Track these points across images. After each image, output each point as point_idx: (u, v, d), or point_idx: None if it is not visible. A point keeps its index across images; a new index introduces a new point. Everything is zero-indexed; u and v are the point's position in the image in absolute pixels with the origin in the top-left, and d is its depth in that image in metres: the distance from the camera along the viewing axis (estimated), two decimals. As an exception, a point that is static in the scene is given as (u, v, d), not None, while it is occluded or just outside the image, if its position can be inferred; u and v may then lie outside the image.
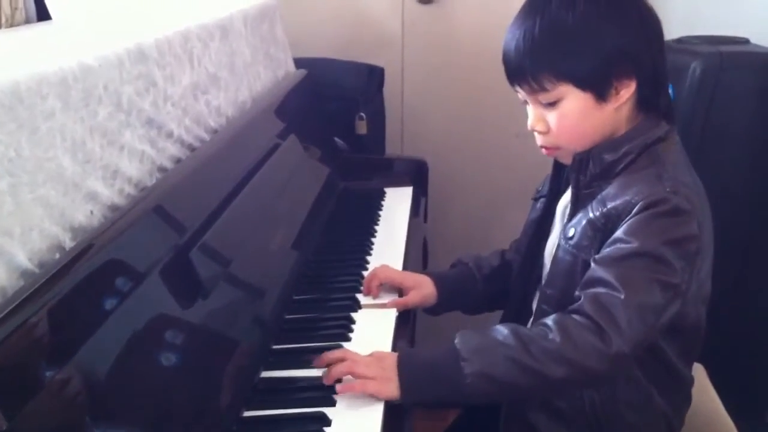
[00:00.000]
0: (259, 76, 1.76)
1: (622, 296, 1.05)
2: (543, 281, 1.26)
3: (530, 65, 1.15)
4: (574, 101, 1.15)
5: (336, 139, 2.07)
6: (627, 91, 1.15)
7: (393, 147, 2.32)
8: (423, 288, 1.41)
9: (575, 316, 1.07)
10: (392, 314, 1.33)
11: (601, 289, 1.07)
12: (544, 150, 1.23)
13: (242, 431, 1.02)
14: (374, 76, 2.15)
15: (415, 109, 2.34)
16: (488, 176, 2.36)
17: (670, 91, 1.95)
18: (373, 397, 1.07)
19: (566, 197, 1.27)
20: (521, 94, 1.20)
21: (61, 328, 0.77)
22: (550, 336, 1.06)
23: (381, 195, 1.93)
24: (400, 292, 1.40)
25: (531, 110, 1.20)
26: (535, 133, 1.22)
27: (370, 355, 1.12)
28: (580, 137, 1.18)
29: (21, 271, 0.79)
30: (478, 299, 1.46)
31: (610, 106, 1.16)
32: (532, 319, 1.28)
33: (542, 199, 1.35)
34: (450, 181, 2.30)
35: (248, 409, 1.06)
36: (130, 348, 0.87)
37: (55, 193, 0.87)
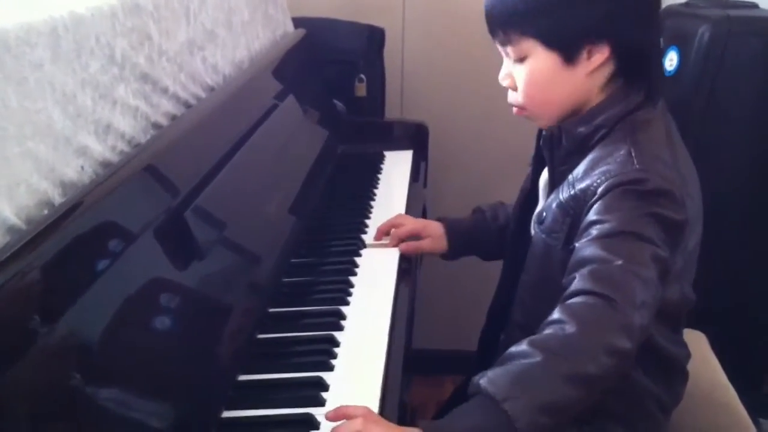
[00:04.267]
0: (257, 35, 1.72)
1: (620, 262, 0.98)
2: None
3: (500, 15, 1.13)
4: (539, 59, 1.12)
5: (335, 101, 2.03)
6: (600, 56, 1.10)
7: (393, 111, 2.28)
8: (434, 236, 1.45)
9: (578, 299, 0.98)
10: (393, 268, 1.34)
11: (593, 265, 1.00)
12: (514, 109, 1.19)
13: (237, 396, 1.00)
14: (374, 37, 2.11)
15: (416, 73, 2.30)
16: (489, 140, 2.32)
17: (677, 55, 1.94)
18: None
19: (545, 174, 1.24)
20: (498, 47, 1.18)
21: (50, 285, 0.75)
22: (568, 329, 0.95)
23: (380, 159, 1.91)
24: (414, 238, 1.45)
25: (504, 63, 1.18)
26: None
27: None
28: (544, 102, 1.15)
29: (8, 226, 0.76)
30: (493, 247, 1.46)
31: (581, 71, 1.11)
32: (516, 307, 1.26)
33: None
34: (450, 145, 2.26)
35: (243, 374, 1.03)
36: (120, 309, 0.84)
37: (45, 147, 0.84)
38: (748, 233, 1.96)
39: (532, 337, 0.97)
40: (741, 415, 1.37)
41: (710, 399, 1.38)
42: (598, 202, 1.05)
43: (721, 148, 1.92)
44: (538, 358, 0.93)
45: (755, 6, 2.00)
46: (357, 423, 0.89)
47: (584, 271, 1.00)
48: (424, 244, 1.44)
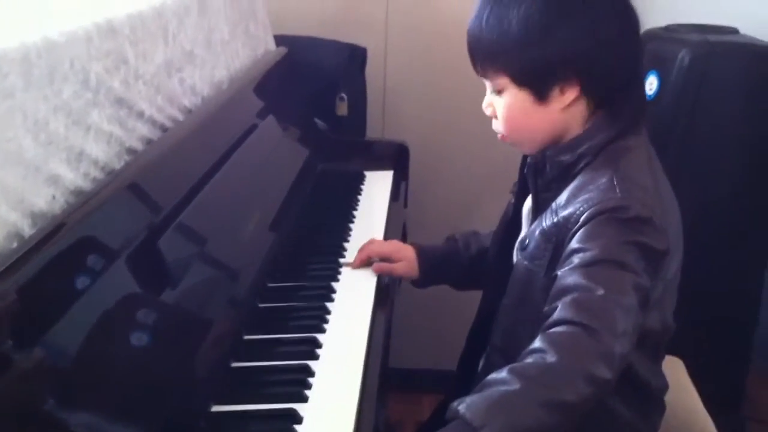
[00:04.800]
0: (237, 53, 1.70)
1: (601, 292, 0.99)
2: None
3: (476, 51, 1.16)
4: (513, 95, 1.14)
5: (316, 120, 2.02)
6: (571, 93, 1.11)
7: (374, 130, 2.28)
8: (408, 260, 1.43)
9: (559, 328, 0.98)
10: (371, 294, 1.33)
11: (575, 294, 1.00)
12: (498, 135, 1.21)
13: (211, 426, 0.98)
14: (356, 56, 2.11)
15: (398, 92, 2.30)
16: (471, 160, 2.32)
17: (657, 79, 1.95)
18: None
19: (529, 201, 1.24)
20: None
21: (22, 315, 0.74)
22: (548, 359, 0.95)
23: (360, 178, 1.90)
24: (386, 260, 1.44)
25: (487, 92, 1.20)
26: None
27: None
28: (523, 134, 1.17)
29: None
30: (463, 277, 1.46)
31: (555, 107, 1.12)
32: (497, 330, 1.25)
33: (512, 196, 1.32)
34: (431, 165, 2.26)
35: (217, 403, 1.02)
36: (93, 336, 0.83)
37: (14, 177, 0.82)
38: (728, 254, 1.97)
39: (512, 365, 0.97)
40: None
41: (686, 426, 1.38)
42: (581, 230, 1.05)
43: (701, 171, 1.93)
44: (516, 385, 0.93)
45: (735, 31, 2.02)
46: None
47: (566, 299, 1.00)
48: (398, 267, 1.43)
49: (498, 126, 1.19)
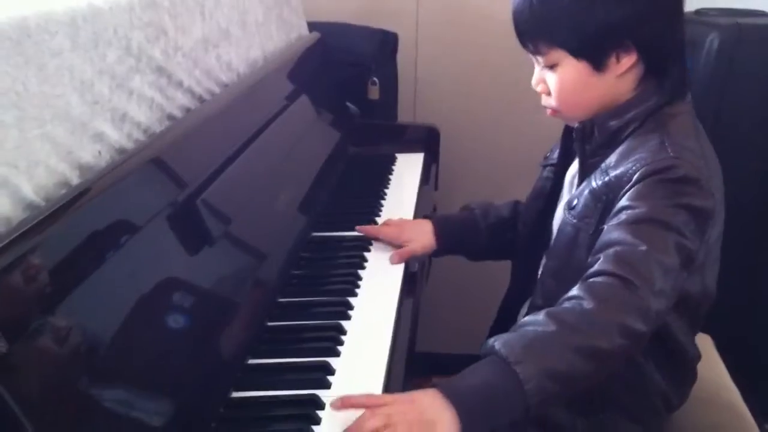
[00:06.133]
0: (271, 36, 1.74)
1: (644, 248, 1.00)
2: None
3: (528, 28, 1.16)
4: (569, 69, 1.14)
5: (348, 104, 2.06)
6: (628, 60, 1.13)
7: (406, 114, 2.30)
8: (422, 237, 1.42)
9: (599, 278, 1.00)
10: (399, 270, 1.33)
11: (618, 248, 1.02)
12: (547, 111, 1.22)
13: (246, 378, 1.02)
14: (387, 41, 2.13)
15: (429, 76, 2.32)
16: (501, 144, 2.34)
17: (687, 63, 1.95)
18: None
19: (574, 166, 1.26)
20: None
21: (63, 262, 0.77)
22: (585, 305, 0.97)
23: (391, 160, 1.92)
24: None
25: (535, 71, 1.20)
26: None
27: (395, 399, 0.94)
28: (577, 106, 1.18)
29: (27, 203, 0.78)
30: (481, 247, 1.46)
31: (610, 75, 1.14)
32: (537, 291, 1.26)
33: (550, 168, 1.34)
34: (463, 148, 2.28)
35: (253, 357, 1.06)
36: (126, 290, 0.86)
37: (63, 131, 0.87)
38: (755, 237, 1.97)
39: (549, 309, 0.99)
40: (746, 418, 1.37)
41: (715, 400, 1.38)
42: (632, 189, 1.07)
43: (731, 154, 1.91)
44: (552, 327, 0.96)
45: (765, 14, 2.02)
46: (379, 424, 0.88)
47: (609, 252, 1.02)
48: (416, 249, 1.40)
49: (550, 101, 1.20)
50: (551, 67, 1.16)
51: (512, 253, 1.42)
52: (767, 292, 2.03)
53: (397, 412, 0.89)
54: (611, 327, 0.96)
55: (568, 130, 1.28)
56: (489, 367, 0.94)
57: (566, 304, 0.99)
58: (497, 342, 0.96)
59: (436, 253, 1.44)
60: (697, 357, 1.25)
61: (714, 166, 1.16)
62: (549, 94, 1.19)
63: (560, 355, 0.94)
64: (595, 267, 1.02)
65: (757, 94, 1.94)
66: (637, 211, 1.05)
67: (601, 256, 1.02)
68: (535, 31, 1.15)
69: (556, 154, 1.33)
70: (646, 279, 0.99)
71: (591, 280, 1.01)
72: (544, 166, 1.36)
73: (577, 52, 1.13)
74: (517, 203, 1.46)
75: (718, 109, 1.94)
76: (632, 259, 1.00)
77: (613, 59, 1.13)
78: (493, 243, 1.44)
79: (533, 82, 1.21)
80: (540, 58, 1.18)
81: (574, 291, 1.00)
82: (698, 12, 2.03)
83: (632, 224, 1.04)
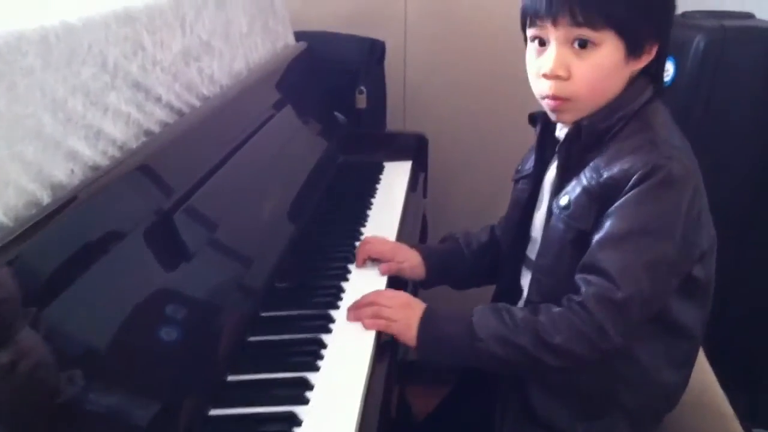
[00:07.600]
0: (256, 47, 1.74)
1: (619, 295, 1.06)
2: (535, 255, 1.25)
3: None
4: (609, 50, 1.11)
5: (336, 113, 2.06)
6: (648, 56, 1.14)
7: (395, 122, 2.31)
8: (414, 262, 1.41)
9: (577, 309, 1.09)
10: (382, 281, 1.33)
11: (602, 283, 1.08)
12: (551, 101, 1.15)
13: (224, 394, 1.01)
14: (375, 49, 2.14)
15: (418, 85, 2.32)
16: (491, 151, 2.34)
17: (673, 65, 1.95)
18: (396, 337, 1.17)
19: (551, 173, 1.25)
20: (542, 33, 1.14)
21: (33, 280, 0.77)
22: (555, 336, 1.09)
23: (379, 169, 1.92)
24: None
25: (552, 53, 1.13)
26: (543, 81, 1.15)
27: (398, 296, 1.22)
28: (603, 93, 1.15)
29: (-4, 225, 0.78)
30: (466, 275, 1.46)
31: (631, 66, 1.14)
32: (525, 295, 1.27)
33: (524, 180, 1.33)
34: (453, 155, 2.28)
35: (232, 374, 1.05)
36: (102, 307, 0.85)
37: (33, 150, 0.86)
38: (744, 240, 1.97)
39: (533, 317, 1.12)
40: (732, 423, 1.37)
41: (702, 405, 1.38)
42: (628, 195, 1.08)
43: (718, 156, 1.93)
44: (525, 338, 1.11)
45: (751, 16, 2.02)
46: (374, 309, 1.18)
47: (590, 290, 1.08)
48: (405, 268, 1.40)
49: (569, 87, 1.13)
50: (583, 47, 1.11)
51: (494, 276, 1.42)
52: (755, 296, 2.03)
53: (391, 306, 1.18)
54: (564, 354, 1.10)
55: (542, 139, 1.27)
56: (462, 328, 1.14)
57: (542, 318, 1.11)
58: (478, 314, 1.14)
59: (425, 283, 1.44)
60: (700, 337, 1.25)
61: (694, 161, 1.16)
62: (568, 79, 1.13)
63: (513, 354, 1.12)
64: (581, 295, 1.09)
65: (744, 95, 1.94)
66: (626, 224, 1.08)
67: (585, 287, 1.09)
68: (601, 2, 1.09)
69: (528, 165, 1.32)
70: (617, 325, 1.08)
71: (572, 308, 1.10)
72: (517, 180, 1.35)
73: (625, 34, 1.10)
74: (492, 227, 1.47)
75: (705, 111, 1.94)
76: (609, 301, 1.08)
77: (646, 48, 1.13)
78: (477, 268, 1.45)
79: (552, 67, 1.12)
80: (580, 32, 1.10)
81: (557, 308, 1.11)
82: (684, 14, 2.03)
83: (618, 243, 1.08)
